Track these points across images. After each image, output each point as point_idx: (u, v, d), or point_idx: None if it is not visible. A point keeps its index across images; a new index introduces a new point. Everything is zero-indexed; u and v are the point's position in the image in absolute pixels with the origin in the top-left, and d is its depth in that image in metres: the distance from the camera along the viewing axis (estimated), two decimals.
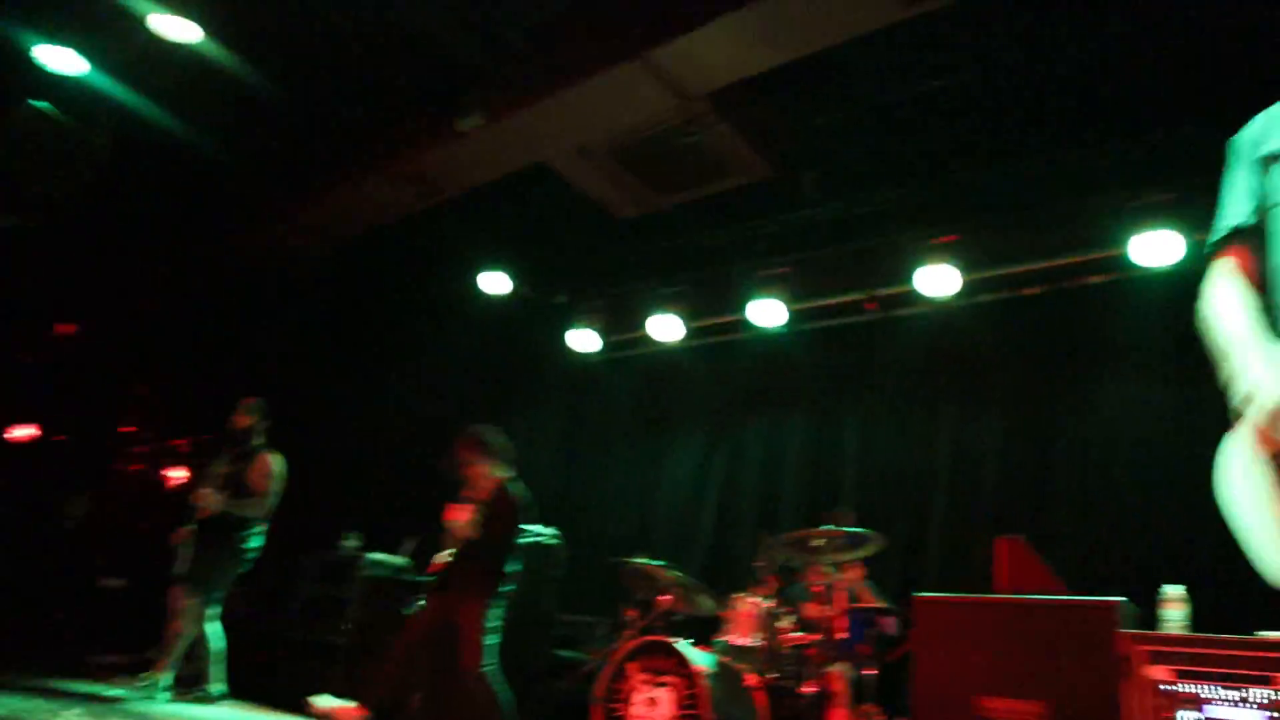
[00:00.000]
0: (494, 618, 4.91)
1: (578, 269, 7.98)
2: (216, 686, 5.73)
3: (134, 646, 8.07)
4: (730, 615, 4.93)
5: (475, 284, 7.71)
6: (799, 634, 4.75)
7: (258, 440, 6.02)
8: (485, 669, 4.79)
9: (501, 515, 4.97)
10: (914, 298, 6.20)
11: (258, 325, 9.84)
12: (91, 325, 10.26)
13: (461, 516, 4.92)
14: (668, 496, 7.18)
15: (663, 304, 7.11)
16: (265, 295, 9.29)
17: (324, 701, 5.04)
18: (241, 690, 6.74)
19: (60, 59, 5.65)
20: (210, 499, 5.70)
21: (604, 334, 7.60)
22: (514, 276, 7.79)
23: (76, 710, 4.47)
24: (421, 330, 9.02)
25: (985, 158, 5.88)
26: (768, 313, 6.55)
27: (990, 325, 6.10)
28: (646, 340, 7.52)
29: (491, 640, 4.86)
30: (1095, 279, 5.72)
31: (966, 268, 5.87)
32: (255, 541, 5.87)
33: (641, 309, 7.33)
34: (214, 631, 5.72)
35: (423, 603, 5.09)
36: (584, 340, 7.58)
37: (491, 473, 5.11)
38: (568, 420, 8.12)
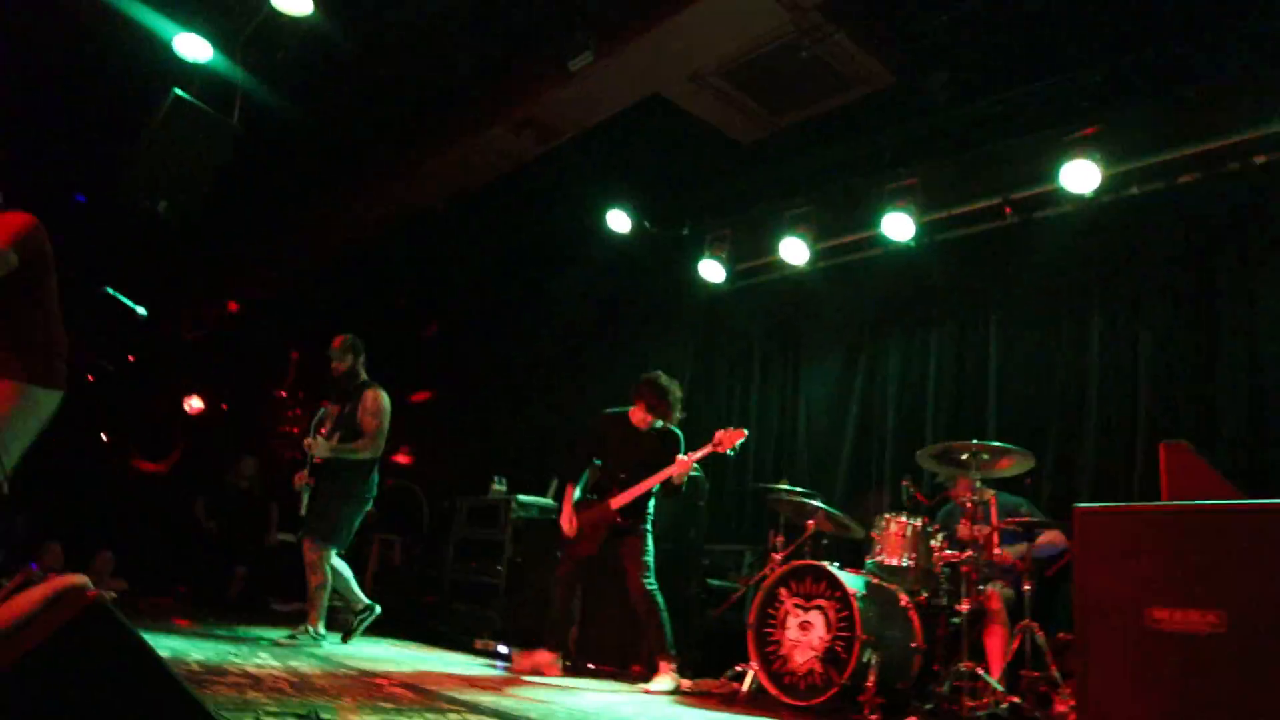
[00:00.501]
0: (650, 540, 5.19)
1: (701, 199, 7.90)
2: (360, 603, 5.89)
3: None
4: (880, 536, 4.88)
5: (601, 224, 7.75)
6: (952, 552, 4.66)
7: (361, 378, 6.01)
8: (648, 587, 5.05)
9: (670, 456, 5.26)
10: (1054, 197, 5.86)
11: (392, 283, 10.21)
12: (244, 298, 10.85)
13: (686, 466, 5.14)
14: (807, 420, 7.11)
15: (790, 227, 6.96)
16: (397, 254, 9.60)
17: (523, 654, 5.35)
18: (409, 632, 7.16)
19: (192, 46, 5.89)
20: (318, 445, 5.73)
21: (732, 262, 7.53)
22: (637, 213, 7.78)
23: (266, 654, 4.83)
24: (551, 274, 9.16)
25: (1126, 39, 5.44)
26: (898, 226, 6.32)
27: (1140, 219, 5.69)
28: (776, 265, 7.41)
29: (649, 561, 5.11)
30: (1260, 158, 5.25)
31: (1111, 161, 5.49)
32: (372, 479, 5.90)
33: (768, 234, 7.21)
34: (339, 565, 5.82)
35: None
36: (712, 270, 7.52)
37: (660, 420, 5.33)
38: (701, 351, 8.12)
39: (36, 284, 3.67)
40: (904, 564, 4.72)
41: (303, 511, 5.77)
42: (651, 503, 5.31)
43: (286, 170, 8.25)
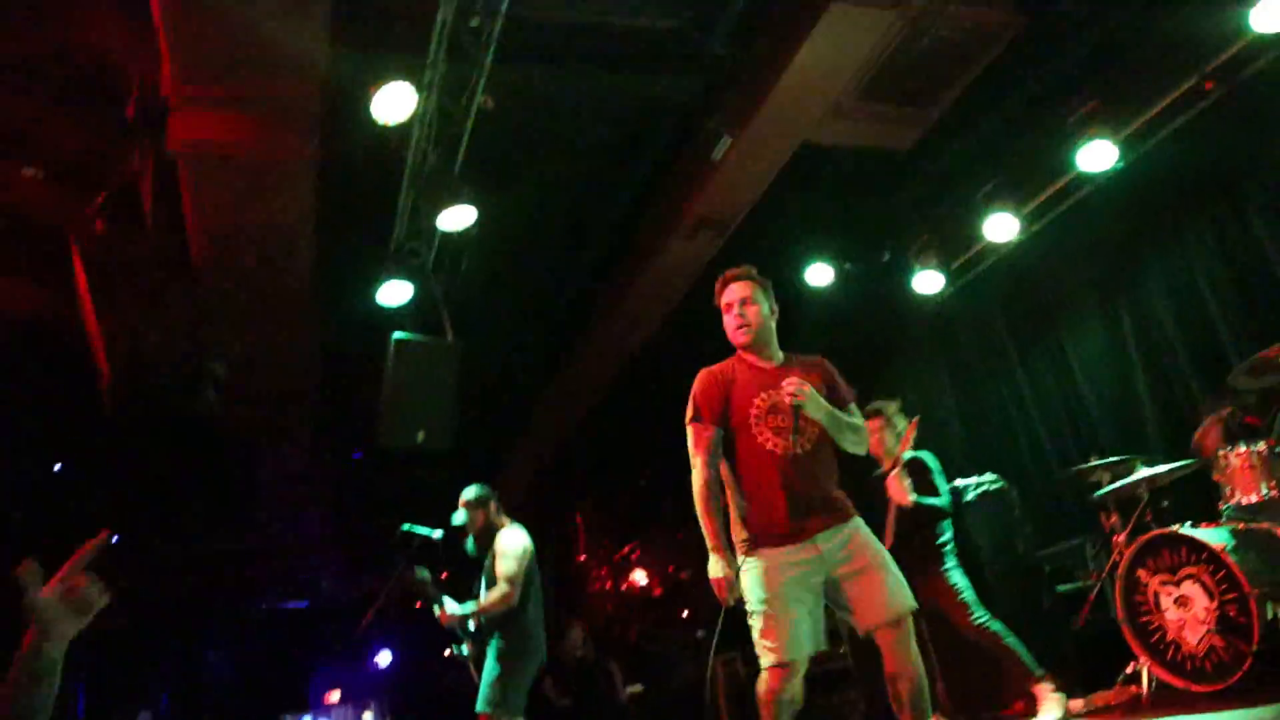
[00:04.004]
0: (956, 574, 4.81)
1: (888, 219, 7.69)
2: None
3: None
4: (1224, 476, 4.36)
5: (803, 285, 7.69)
6: None
7: (500, 526, 5.47)
8: (979, 621, 4.68)
9: (921, 480, 4.92)
10: (1253, 50, 5.27)
11: (638, 417, 10.49)
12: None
13: (897, 488, 4.86)
14: (1090, 384, 6.55)
15: (987, 206, 6.64)
16: (633, 390, 9.91)
17: None
18: None
19: (393, 293, 6.51)
20: (448, 612, 5.35)
21: (944, 266, 7.24)
22: (834, 259, 7.67)
23: None
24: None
25: None
26: (1098, 156, 5.88)
27: None
28: (989, 249, 7.06)
29: (968, 596, 4.74)
30: None
31: None
32: (532, 630, 5.34)
33: (969, 222, 6.91)
34: None
35: None
36: (928, 281, 7.27)
37: (892, 441, 5.09)
38: (951, 361, 7.76)
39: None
40: (1266, 495, 4.18)
41: (477, 681, 5.27)
42: (947, 531, 4.95)
43: (506, 362, 8.85)
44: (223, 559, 12.05)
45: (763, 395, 3.47)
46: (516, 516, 5.68)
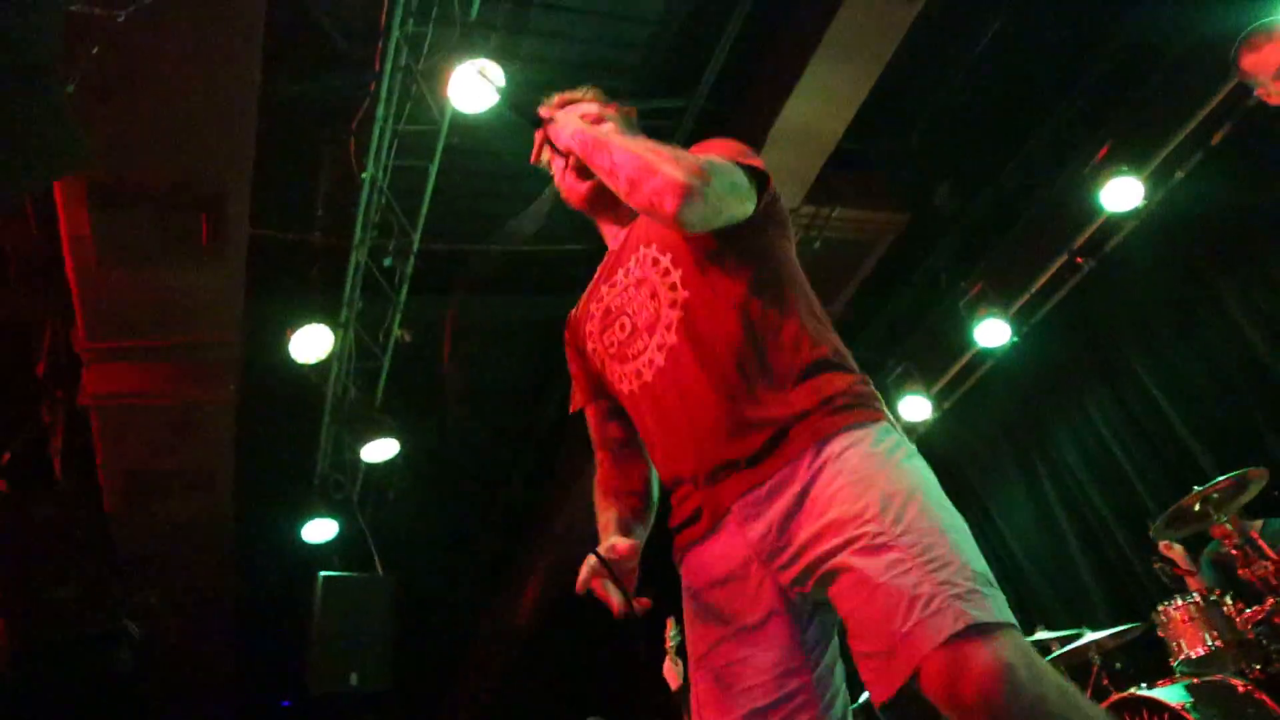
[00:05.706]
0: None
1: None
2: None
3: None
4: (1168, 633, 4.36)
5: None
6: (1252, 609, 4.11)
7: None
8: None
9: None
10: (1112, 226, 5.77)
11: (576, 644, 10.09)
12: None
13: None
14: (1024, 550, 6.60)
15: (897, 390, 6.89)
16: (575, 609, 9.60)
17: None
18: None
19: (319, 531, 6.37)
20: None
21: None
22: None
23: None
24: None
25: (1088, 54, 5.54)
26: (993, 333, 6.22)
27: (1210, 191, 5.40)
28: (906, 431, 7.23)
29: None
30: None
31: (1138, 163, 5.44)
32: None
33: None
34: None
35: None
36: None
37: None
38: None
39: None
40: (1211, 648, 4.16)
41: None
42: None
43: (441, 594, 8.56)
44: None
45: (595, 302, 1.92)
46: None
